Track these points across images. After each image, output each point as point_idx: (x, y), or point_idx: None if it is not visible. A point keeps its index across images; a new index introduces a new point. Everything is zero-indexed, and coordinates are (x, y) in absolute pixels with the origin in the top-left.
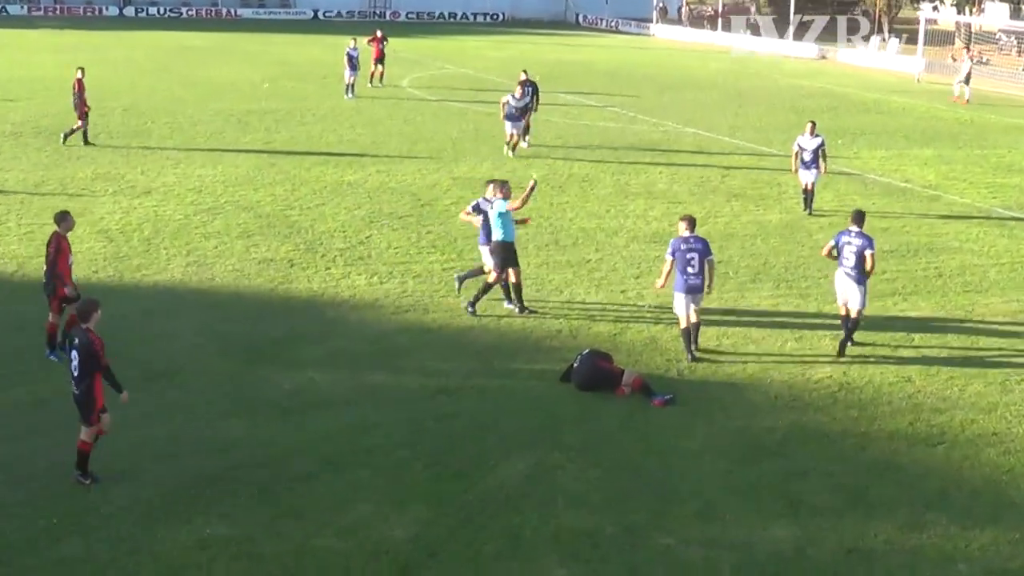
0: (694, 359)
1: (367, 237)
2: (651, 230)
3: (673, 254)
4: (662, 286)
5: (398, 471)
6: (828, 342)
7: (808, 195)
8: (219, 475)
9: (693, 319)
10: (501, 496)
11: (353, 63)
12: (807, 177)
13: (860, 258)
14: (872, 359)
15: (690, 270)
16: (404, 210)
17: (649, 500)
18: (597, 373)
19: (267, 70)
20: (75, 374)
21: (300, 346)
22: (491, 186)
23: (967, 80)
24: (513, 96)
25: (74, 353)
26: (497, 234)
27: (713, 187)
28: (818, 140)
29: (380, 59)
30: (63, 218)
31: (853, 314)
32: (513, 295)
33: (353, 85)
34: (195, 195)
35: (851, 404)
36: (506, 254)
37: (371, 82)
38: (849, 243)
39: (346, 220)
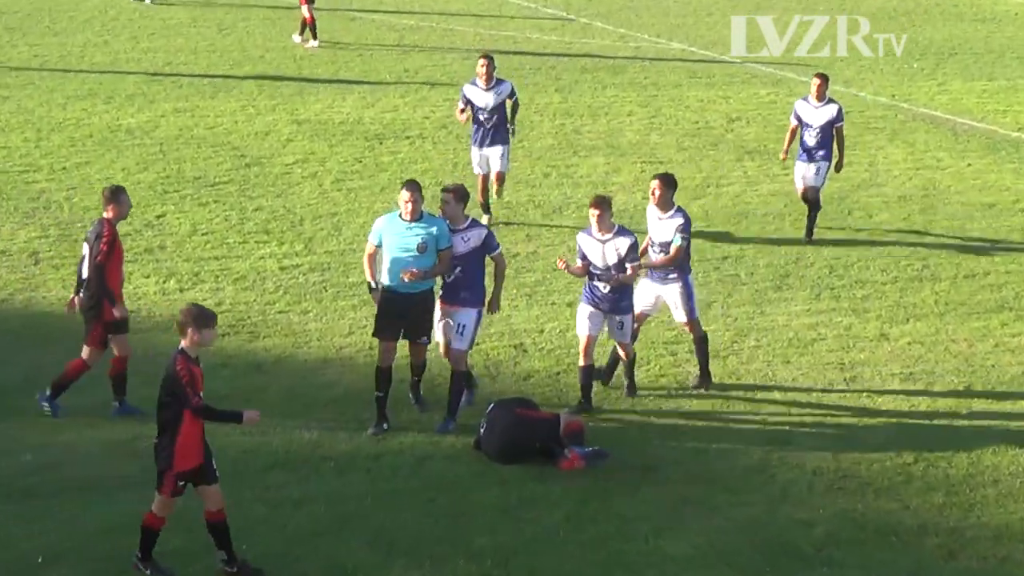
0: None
1: (159, 217)
2: (616, 204)
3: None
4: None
5: None
6: (898, 384)
7: (810, 207)
8: None
9: (621, 352)
10: None
11: None
12: (805, 175)
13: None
14: (964, 413)
15: (602, 279)
16: (219, 173)
17: None
18: (519, 427)
19: None
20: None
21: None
22: (450, 198)
23: None
24: (476, 83)
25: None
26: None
27: (715, 138)
28: (831, 110)
29: None
30: (116, 196)
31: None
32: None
33: None
34: None
35: (934, 484)
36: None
37: None
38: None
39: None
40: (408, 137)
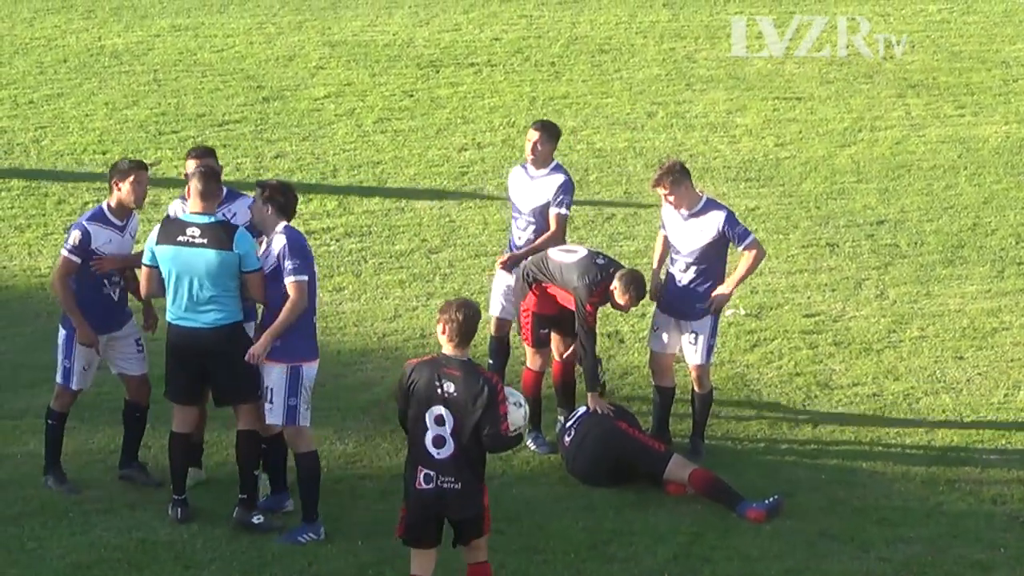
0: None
1: (152, 165)
2: (741, 153)
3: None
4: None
5: None
6: None
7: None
8: None
9: (694, 378)
10: None
11: None
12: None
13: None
14: None
15: (677, 265)
16: (229, 109)
17: None
18: (621, 442)
19: None
20: None
21: None
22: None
23: None
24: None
25: None
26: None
27: (869, 68)
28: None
29: None
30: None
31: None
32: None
33: None
34: None
35: None
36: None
37: None
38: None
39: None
40: (473, 64)
